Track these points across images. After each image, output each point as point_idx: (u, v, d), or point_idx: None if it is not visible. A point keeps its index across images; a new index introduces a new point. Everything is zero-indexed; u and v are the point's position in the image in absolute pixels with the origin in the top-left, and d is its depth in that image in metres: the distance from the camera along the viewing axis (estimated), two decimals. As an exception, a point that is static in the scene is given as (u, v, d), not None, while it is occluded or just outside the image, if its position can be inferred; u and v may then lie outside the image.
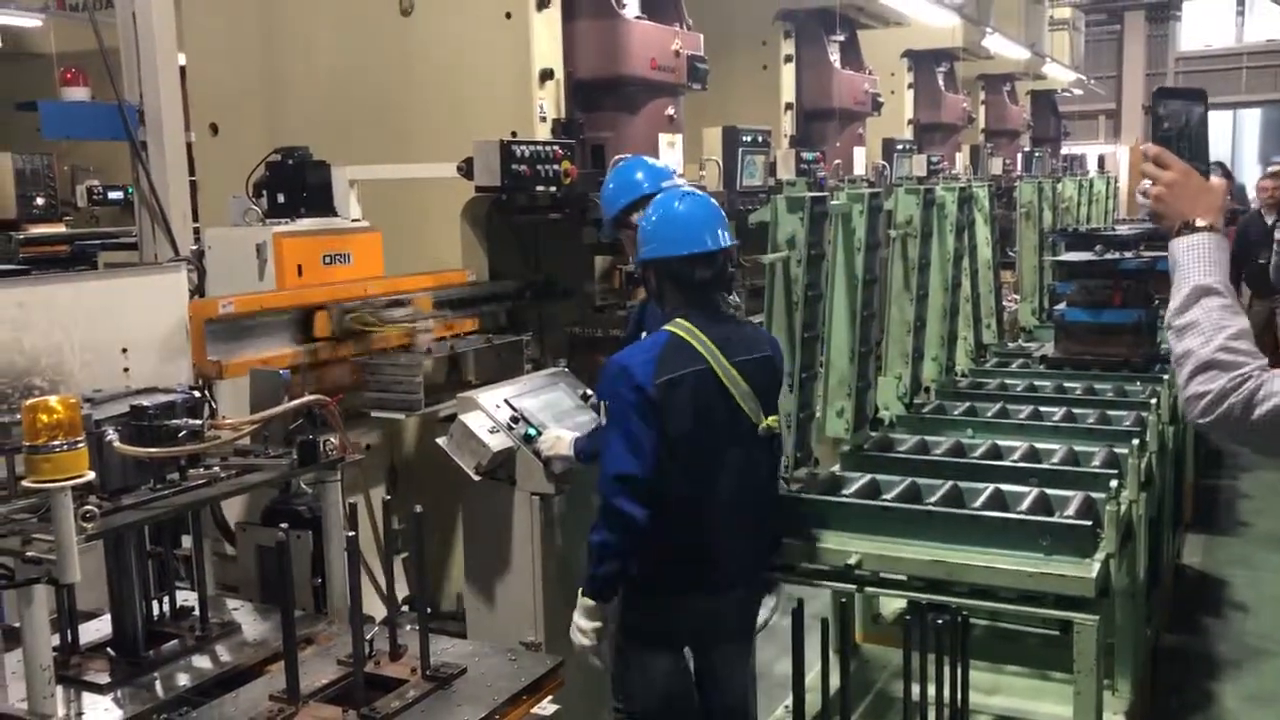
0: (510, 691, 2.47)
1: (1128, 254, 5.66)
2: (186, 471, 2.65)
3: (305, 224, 4.21)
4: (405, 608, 3.54)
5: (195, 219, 5.24)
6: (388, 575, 2.65)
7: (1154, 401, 4.59)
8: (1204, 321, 1.95)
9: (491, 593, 3.78)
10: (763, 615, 3.41)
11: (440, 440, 3.72)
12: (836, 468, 3.92)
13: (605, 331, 5.18)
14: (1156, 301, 5.80)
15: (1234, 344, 1.92)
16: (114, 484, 2.46)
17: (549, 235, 5.25)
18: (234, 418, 2.90)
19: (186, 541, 3.09)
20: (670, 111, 5.00)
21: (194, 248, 4.60)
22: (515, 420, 3.73)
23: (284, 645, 2.37)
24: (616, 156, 4.27)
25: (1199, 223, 2.01)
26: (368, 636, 2.54)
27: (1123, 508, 3.24)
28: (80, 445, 2.13)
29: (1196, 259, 1.99)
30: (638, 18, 4.86)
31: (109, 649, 2.66)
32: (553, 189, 4.35)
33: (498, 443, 3.63)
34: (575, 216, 4.73)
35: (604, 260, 5.95)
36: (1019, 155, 12.02)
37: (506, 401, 3.78)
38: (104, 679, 2.55)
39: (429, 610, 2.67)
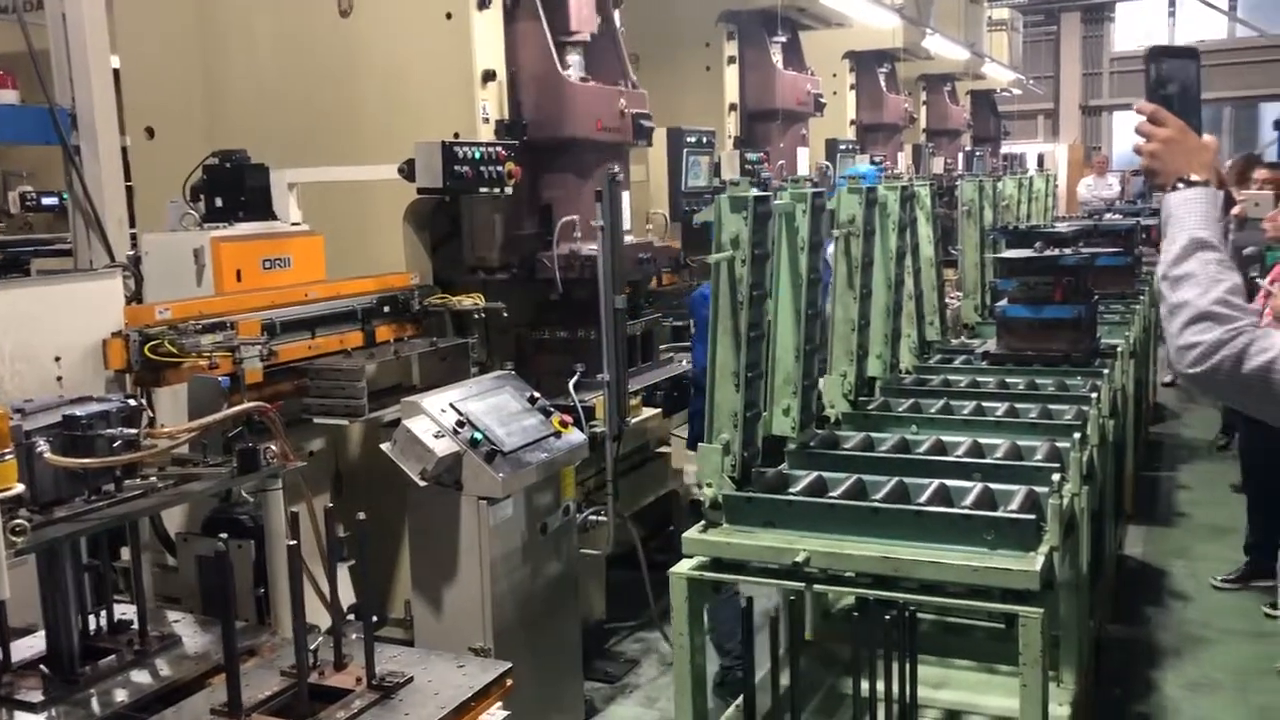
0: (458, 699, 2.45)
1: (1067, 250, 5.74)
2: (122, 482, 2.59)
3: (244, 228, 4.16)
4: (352, 616, 3.49)
5: (132, 224, 5.14)
6: (331, 584, 2.61)
7: (1094, 396, 4.65)
8: (1201, 274, 1.97)
9: (439, 599, 3.75)
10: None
11: (384, 446, 3.68)
12: (784, 466, 3.93)
13: (553, 334, 5.15)
14: (1096, 297, 5.88)
15: (1230, 298, 1.95)
16: (45, 496, 2.40)
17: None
18: (172, 426, 2.84)
19: (126, 553, 3.02)
20: (615, 170, 5.00)
21: (130, 254, 4.52)
22: (461, 424, 3.70)
23: (225, 657, 2.33)
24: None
25: (1194, 178, 2.05)
26: (312, 647, 2.51)
27: (1065, 501, 3.27)
28: (9, 457, 2.08)
29: (1191, 212, 2.03)
30: (582, 79, 4.85)
31: (42, 666, 2.58)
32: (497, 190, 4.33)
33: (443, 447, 3.60)
34: (524, 276, 4.71)
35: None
36: (960, 154, 12.18)
37: (452, 405, 3.75)
38: (37, 697, 2.48)
39: (376, 619, 2.64)
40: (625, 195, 5.04)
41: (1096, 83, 26.00)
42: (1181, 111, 2.12)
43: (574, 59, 4.90)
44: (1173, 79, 2.15)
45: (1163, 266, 2.04)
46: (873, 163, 8.96)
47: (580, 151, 4.85)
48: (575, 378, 4.51)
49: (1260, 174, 8.04)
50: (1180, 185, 2.06)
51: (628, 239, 4.87)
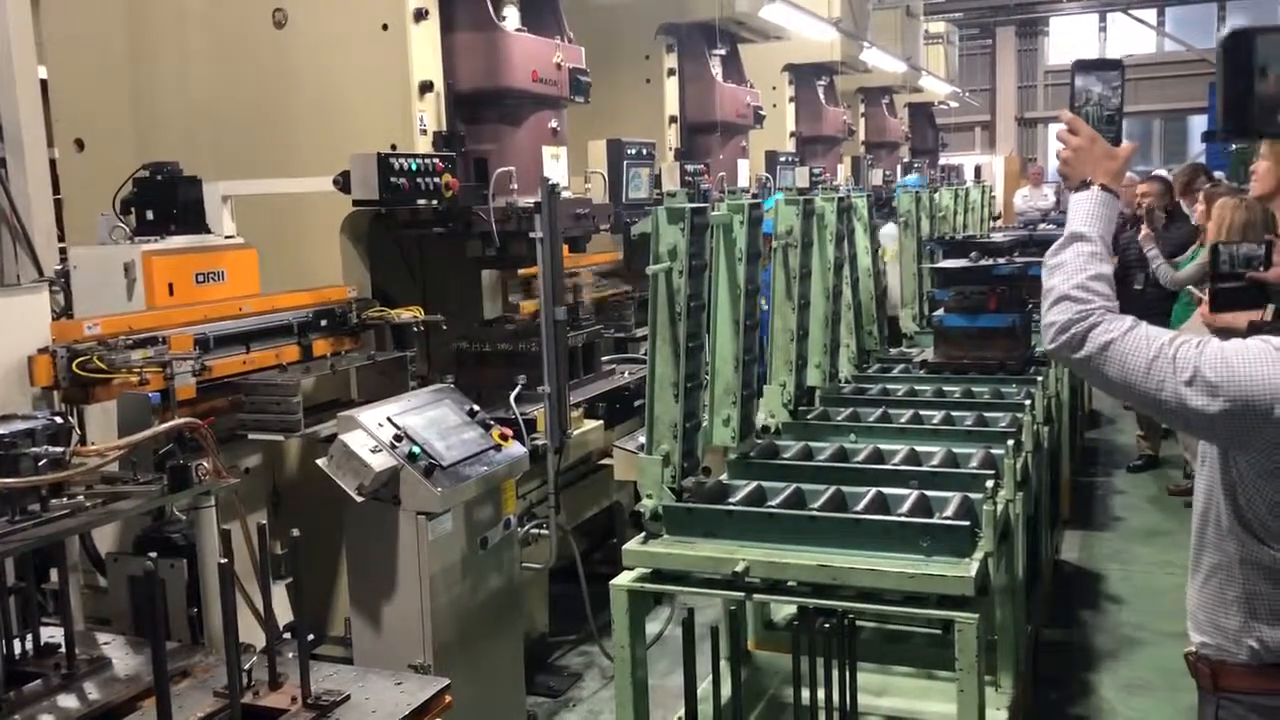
0: (395, 717, 2.43)
1: (1001, 260, 5.84)
2: (48, 502, 2.54)
3: (176, 242, 4.10)
4: (289, 635, 3.45)
5: (61, 238, 5.05)
6: (265, 601, 2.57)
7: (1029, 403, 4.73)
8: (1071, 263, 2.20)
9: (378, 616, 3.71)
10: (655, 627, 3.42)
11: (321, 461, 3.63)
12: (724, 476, 3.94)
13: (494, 346, 5.12)
14: (1030, 306, 5.99)
15: (1091, 284, 2.15)
16: (-33, 517, 2.35)
17: (434, 250, 5.18)
18: (101, 443, 2.79)
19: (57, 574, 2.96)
20: (553, 124, 4.99)
21: (59, 268, 4.44)
22: (399, 439, 3.66)
23: (155, 679, 2.28)
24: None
25: (1094, 182, 2.26)
26: (246, 666, 2.47)
27: (1000, 507, 3.32)
28: (-73, 477, 2.02)
29: (1082, 211, 2.25)
30: (518, 30, 4.85)
31: (-36, 692, 2.53)
32: (434, 202, 4.31)
33: (380, 462, 3.56)
34: (460, 230, 4.68)
35: (491, 274, 5.90)
36: (898, 166, 12.33)
37: (389, 419, 3.72)
38: (-40, 724, 2.42)
39: (315, 637, 2.60)
40: (564, 150, 5.05)
41: (1031, 95, 26.51)
42: (1101, 120, 2.28)
43: (510, 10, 4.90)
44: (1094, 90, 2.30)
45: (1046, 257, 2.26)
46: (812, 174, 9.09)
47: (515, 102, 4.83)
48: (516, 390, 4.49)
49: (1142, 187, 8.24)
50: (1081, 187, 2.27)
51: (565, 194, 4.85)
